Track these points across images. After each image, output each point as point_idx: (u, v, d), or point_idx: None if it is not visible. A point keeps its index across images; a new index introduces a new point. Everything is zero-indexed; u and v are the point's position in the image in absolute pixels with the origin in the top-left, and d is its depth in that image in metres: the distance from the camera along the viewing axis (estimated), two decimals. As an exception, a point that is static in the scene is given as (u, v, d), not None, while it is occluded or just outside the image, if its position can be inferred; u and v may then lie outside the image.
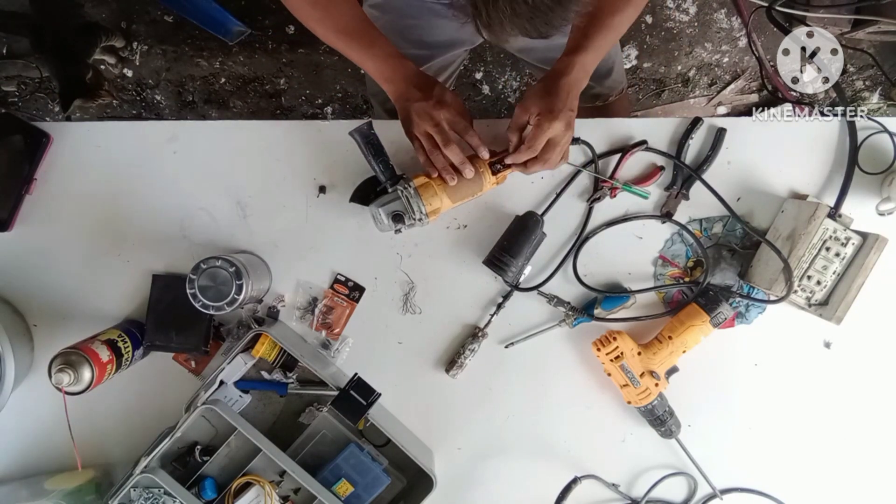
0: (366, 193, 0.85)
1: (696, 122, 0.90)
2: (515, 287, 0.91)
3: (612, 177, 0.91)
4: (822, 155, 0.92)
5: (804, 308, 0.89)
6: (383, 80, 0.81)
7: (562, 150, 0.81)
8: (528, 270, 0.91)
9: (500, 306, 0.92)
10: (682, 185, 0.91)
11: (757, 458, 0.95)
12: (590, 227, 0.92)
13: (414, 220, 0.82)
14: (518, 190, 0.92)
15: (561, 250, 0.92)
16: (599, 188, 0.91)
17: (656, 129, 0.92)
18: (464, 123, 0.80)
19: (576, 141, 0.89)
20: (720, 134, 0.90)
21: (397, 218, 0.81)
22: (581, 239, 0.92)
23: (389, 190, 0.82)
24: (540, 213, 0.90)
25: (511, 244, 0.87)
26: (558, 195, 0.92)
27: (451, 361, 0.92)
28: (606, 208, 0.92)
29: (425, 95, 0.78)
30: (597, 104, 1.14)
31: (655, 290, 0.92)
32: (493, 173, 0.84)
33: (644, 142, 0.91)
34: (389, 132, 0.87)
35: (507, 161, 0.83)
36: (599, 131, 0.92)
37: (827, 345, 0.94)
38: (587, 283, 0.92)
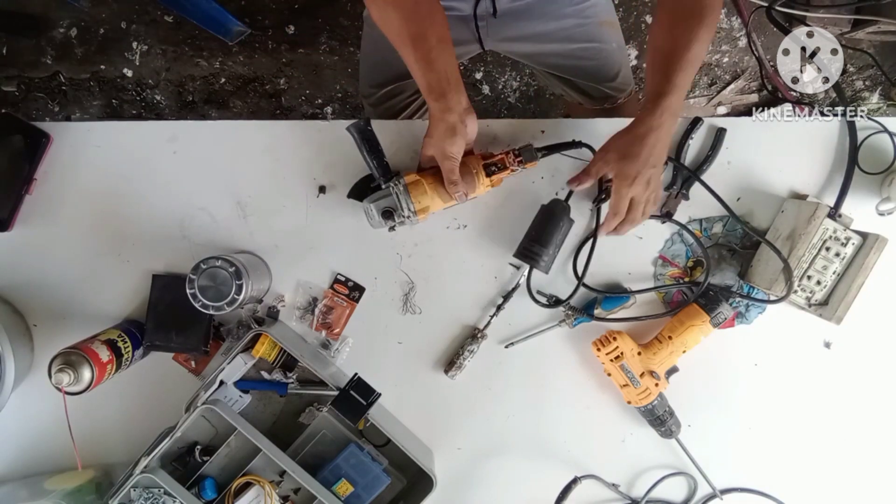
0: (362, 190, 0.86)
1: (696, 122, 0.90)
2: (532, 294, 0.92)
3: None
4: (822, 155, 0.92)
5: (804, 308, 0.89)
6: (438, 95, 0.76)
7: (644, 206, 0.81)
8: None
9: (499, 307, 0.92)
10: (682, 184, 0.91)
11: (757, 458, 0.95)
12: (590, 227, 0.92)
13: (403, 217, 0.82)
14: (519, 189, 0.92)
15: (561, 250, 0.92)
16: (604, 189, 0.90)
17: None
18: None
19: (578, 145, 0.88)
20: (720, 134, 0.90)
21: (387, 214, 0.82)
22: (584, 240, 0.92)
23: (383, 186, 0.83)
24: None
25: (540, 233, 0.87)
26: (567, 198, 0.92)
27: (451, 362, 0.92)
28: (606, 208, 0.92)
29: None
30: (605, 107, 1.14)
31: (655, 290, 0.92)
32: (488, 175, 0.84)
33: None
34: (388, 132, 0.87)
35: (602, 232, 0.86)
36: (600, 131, 0.92)
37: (827, 345, 0.94)
38: (587, 283, 0.92)
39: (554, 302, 0.91)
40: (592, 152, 0.90)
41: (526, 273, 0.91)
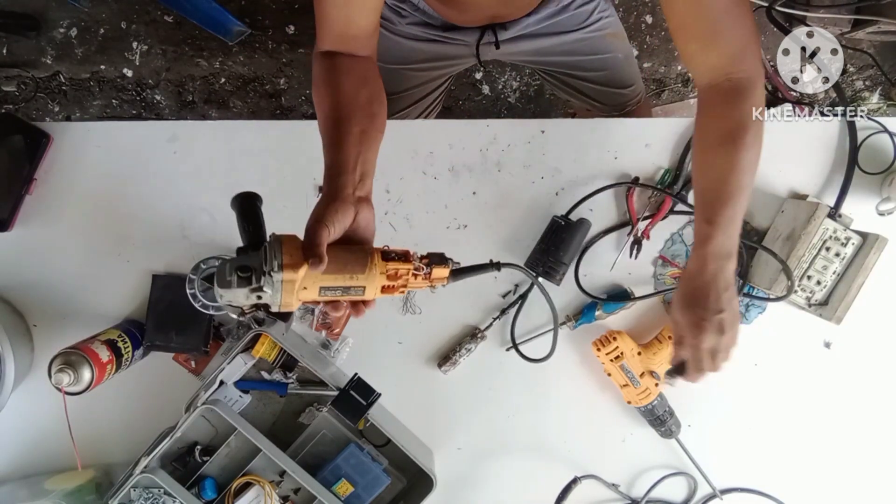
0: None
1: None
2: (514, 346, 0.92)
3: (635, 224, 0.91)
4: (822, 155, 0.92)
5: (804, 308, 0.89)
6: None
7: (726, 352, 0.75)
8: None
9: (503, 311, 0.92)
10: (683, 186, 0.91)
11: (757, 458, 0.95)
12: (591, 234, 0.92)
13: (265, 276, 0.56)
14: (519, 190, 0.92)
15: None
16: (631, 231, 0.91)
17: (663, 129, 0.92)
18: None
19: (495, 266, 0.67)
20: None
21: (244, 273, 0.55)
22: (586, 247, 0.92)
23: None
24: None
25: (564, 250, 0.88)
26: (576, 205, 0.92)
27: (445, 357, 0.92)
28: (607, 213, 0.92)
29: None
30: (613, 114, 1.13)
31: (659, 294, 0.91)
32: (385, 259, 0.62)
33: (636, 179, 0.91)
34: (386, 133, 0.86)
35: (687, 379, 0.77)
36: (599, 133, 0.92)
37: (827, 345, 0.94)
38: (588, 283, 0.92)
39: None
40: (520, 269, 0.72)
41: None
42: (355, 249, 0.62)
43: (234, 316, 0.59)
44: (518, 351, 0.92)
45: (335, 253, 0.59)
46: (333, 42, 0.73)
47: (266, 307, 0.58)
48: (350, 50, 0.73)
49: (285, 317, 0.62)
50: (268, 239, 0.59)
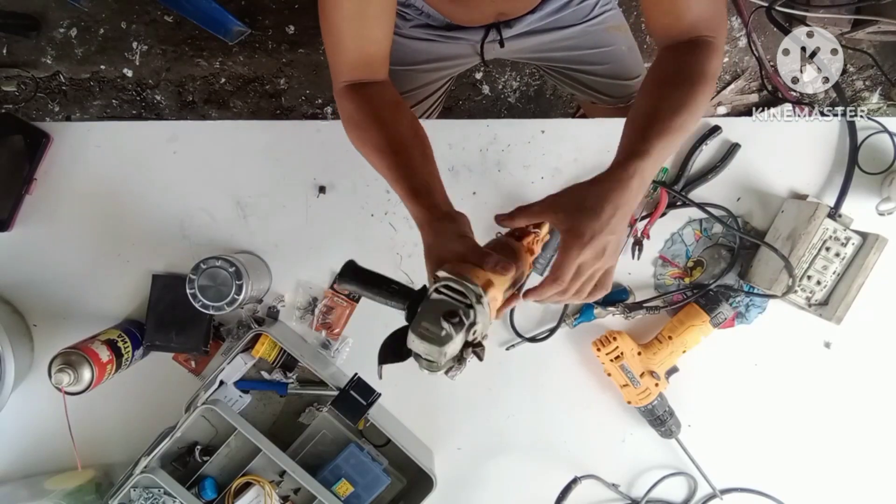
0: (399, 341, 0.59)
1: (715, 129, 0.90)
2: (525, 338, 0.92)
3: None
4: (822, 155, 0.92)
5: (804, 308, 0.89)
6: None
7: (593, 282, 0.63)
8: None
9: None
10: (684, 187, 0.91)
11: (757, 458, 0.95)
12: None
13: (472, 301, 0.53)
14: (519, 190, 0.92)
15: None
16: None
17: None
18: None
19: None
20: (733, 149, 0.90)
21: (451, 316, 0.51)
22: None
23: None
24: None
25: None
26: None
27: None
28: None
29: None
30: (619, 106, 1.13)
31: (661, 297, 0.91)
32: (519, 239, 0.66)
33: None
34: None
35: (531, 298, 0.62)
36: (600, 134, 0.92)
37: (827, 345, 0.94)
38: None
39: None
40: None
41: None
42: (494, 247, 0.63)
43: (445, 372, 0.56)
44: (515, 329, 0.91)
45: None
46: (352, 71, 0.73)
47: (475, 345, 0.55)
48: (370, 76, 0.74)
49: (480, 348, 0.57)
50: (425, 285, 0.57)
